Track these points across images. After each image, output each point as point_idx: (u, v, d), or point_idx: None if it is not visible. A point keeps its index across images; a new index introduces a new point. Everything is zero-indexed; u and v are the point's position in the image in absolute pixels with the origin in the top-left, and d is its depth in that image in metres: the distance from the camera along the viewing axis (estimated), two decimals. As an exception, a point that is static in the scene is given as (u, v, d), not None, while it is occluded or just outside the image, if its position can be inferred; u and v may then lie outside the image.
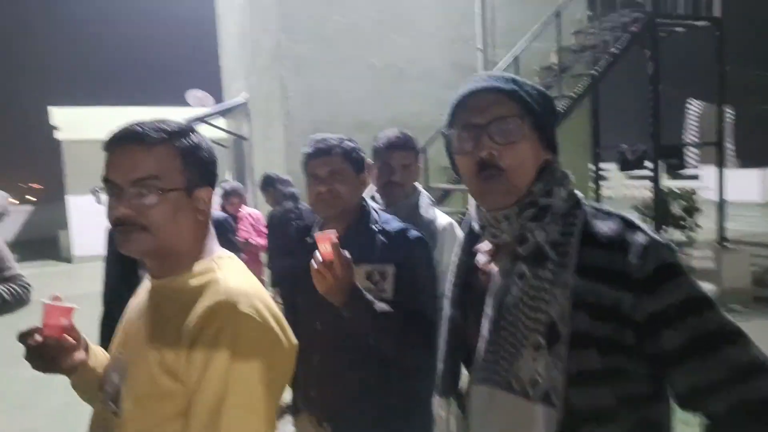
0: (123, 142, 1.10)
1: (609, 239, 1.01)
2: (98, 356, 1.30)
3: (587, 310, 0.98)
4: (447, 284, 1.28)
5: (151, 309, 1.16)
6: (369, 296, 1.61)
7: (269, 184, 5.07)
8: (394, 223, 1.83)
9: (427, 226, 2.14)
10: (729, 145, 7.59)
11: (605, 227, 1.03)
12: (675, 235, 7.04)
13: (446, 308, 1.27)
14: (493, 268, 1.13)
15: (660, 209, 6.85)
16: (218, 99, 14.92)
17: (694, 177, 15.40)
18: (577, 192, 1.12)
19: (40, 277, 11.53)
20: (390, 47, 6.98)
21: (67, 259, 13.55)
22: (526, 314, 1.04)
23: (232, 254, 1.24)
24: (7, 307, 2.35)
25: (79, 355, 1.22)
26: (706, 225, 7.81)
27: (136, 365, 1.12)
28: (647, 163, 6.90)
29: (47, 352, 1.16)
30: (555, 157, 1.13)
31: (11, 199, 21.11)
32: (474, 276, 1.20)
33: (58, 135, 13.70)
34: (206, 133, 7.82)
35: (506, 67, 6.16)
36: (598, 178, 8.00)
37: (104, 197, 1.15)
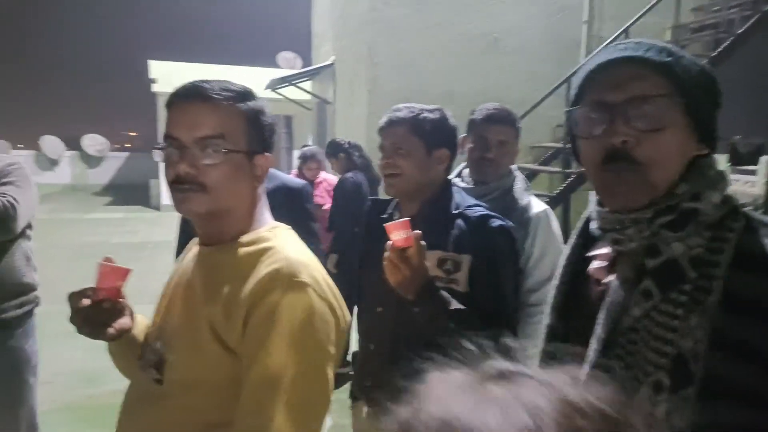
0: (189, 99, 1.06)
1: None
2: (140, 324, 1.24)
3: (731, 349, 0.77)
4: (551, 288, 1.08)
5: (201, 276, 1.10)
6: (445, 293, 1.44)
7: (337, 151, 4.73)
8: (477, 209, 1.62)
9: (520, 213, 1.93)
10: None
11: None
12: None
13: (546, 316, 1.07)
14: (611, 279, 0.92)
15: (771, 211, 6.20)
16: (307, 62, 15.01)
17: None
18: (735, 198, 0.88)
19: (129, 221, 12.33)
20: (485, 16, 6.61)
21: (156, 207, 14.27)
22: (649, 344, 0.83)
23: (287, 225, 1.18)
24: None
25: (126, 321, 1.16)
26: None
27: (183, 333, 1.08)
28: (762, 158, 6.22)
29: (99, 315, 1.11)
30: (711, 152, 0.89)
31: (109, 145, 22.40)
32: (585, 285, 0.98)
33: (155, 87, 14.28)
34: (291, 94, 7.82)
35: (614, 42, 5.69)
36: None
37: (162, 154, 1.08)
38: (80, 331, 1.11)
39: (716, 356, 0.78)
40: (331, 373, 1.04)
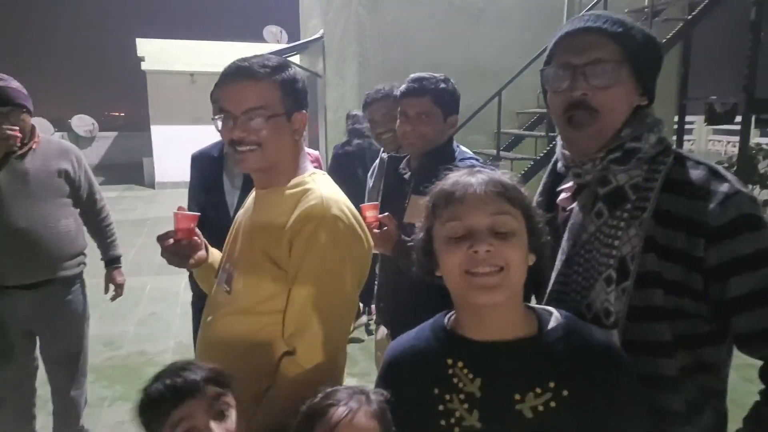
0: (235, 77, 1.30)
1: (692, 187, 1.03)
2: (215, 255, 1.56)
3: (658, 251, 1.02)
4: None
5: (257, 213, 1.41)
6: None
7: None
8: (467, 161, 1.94)
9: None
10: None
11: (690, 175, 1.04)
12: (760, 194, 6.69)
13: None
14: (574, 206, 1.17)
15: (745, 166, 6.49)
16: (294, 36, 15.00)
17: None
18: (667, 139, 1.13)
19: (125, 200, 12.45)
20: (470, -14, 6.76)
21: (151, 185, 14.38)
22: (600, 251, 1.08)
23: (323, 171, 1.46)
24: None
25: (202, 253, 1.50)
26: (796, 187, 7.35)
27: (246, 255, 1.37)
28: (738, 118, 6.48)
29: (180, 250, 1.43)
30: (650, 104, 1.14)
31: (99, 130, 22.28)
32: (554, 213, 1.23)
33: (144, 66, 14.25)
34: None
35: (593, 8, 5.86)
36: (682, 131, 7.60)
37: (219, 124, 1.35)
38: (170, 262, 1.43)
39: (648, 257, 1.02)
40: (356, 289, 1.32)
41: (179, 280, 5.54)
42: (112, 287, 2.85)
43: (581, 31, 1.09)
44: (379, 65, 6.51)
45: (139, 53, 14.65)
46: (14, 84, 2.35)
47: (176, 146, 13.57)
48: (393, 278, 2.04)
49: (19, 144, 2.33)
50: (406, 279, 1.87)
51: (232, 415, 1.04)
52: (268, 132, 1.30)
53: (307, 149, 5.05)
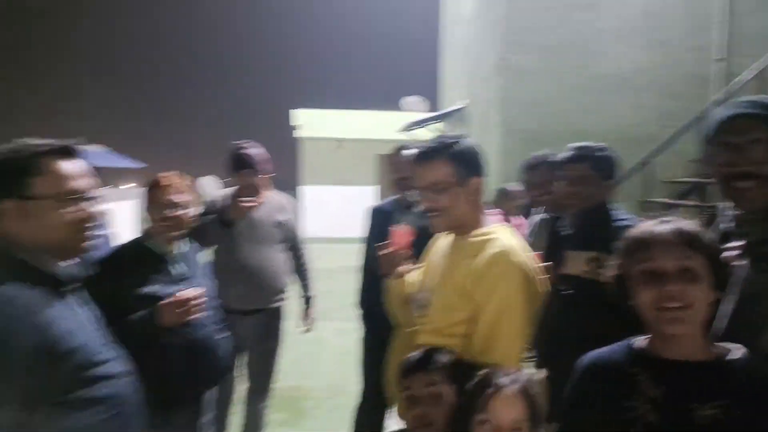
0: (418, 160, 1.73)
1: None
2: (410, 276, 1.95)
3: None
4: None
5: (450, 254, 1.77)
6: None
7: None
8: (626, 221, 2.15)
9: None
10: None
11: None
12: None
13: None
14: (741, 262, 1.36)
15: None
16: (432, 105, 15.83)
17: None
18: None
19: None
20: (614, 57, 6.91)
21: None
22: (764, 303, 1.26)
23: (505, 224, 1.82)
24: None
25: (406, 267, 1.92)
26: None
27: (440, 287, 1.72)
28: None
29: (394, 259, 1.91)
30: None
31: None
32: None
33: (298, 134, 15.84)
34: (423, 136, 8.65)
35: (748, 80, 5.73)
36: None
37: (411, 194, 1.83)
38: (382, 266, 1.91)
39: None
40: (528, 317, 1.60)
41: (328, 327, 6.02)
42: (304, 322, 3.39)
43: (739, 116, 1.34)
44: (522, 133, 6.78)
45: (294, 122, 16.35)
46: (252, 150, 3.01)
47: (323, 205, 14.74)
48: (555, 320, 2.22)
49: (252, 205, 2.96)
50: (569, 322, 2.08)
51: (444, 403, 1.45)
52: (445, 201, 1.67)
53: (518, 220, 5.20)
